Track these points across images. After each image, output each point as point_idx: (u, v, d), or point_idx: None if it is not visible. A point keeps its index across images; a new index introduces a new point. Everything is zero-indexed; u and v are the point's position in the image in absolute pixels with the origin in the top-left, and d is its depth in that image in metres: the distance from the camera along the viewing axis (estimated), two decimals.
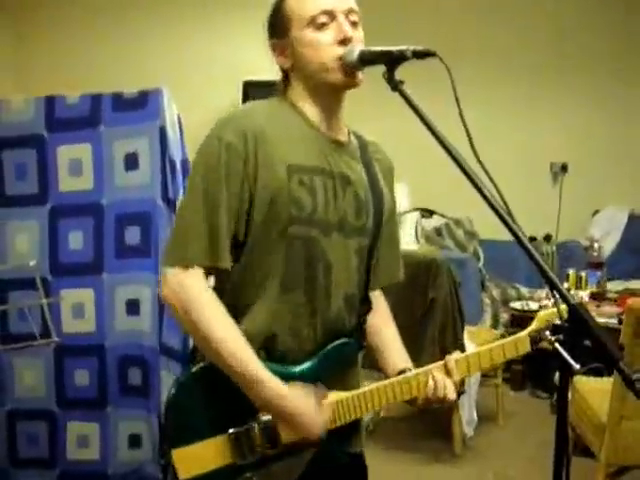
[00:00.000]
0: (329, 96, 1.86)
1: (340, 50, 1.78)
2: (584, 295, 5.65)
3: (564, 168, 7.26)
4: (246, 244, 1.78)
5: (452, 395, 1.85)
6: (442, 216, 7.06)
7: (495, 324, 6.10)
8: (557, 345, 1.50)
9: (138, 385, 3.51)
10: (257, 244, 1.77)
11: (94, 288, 3.50)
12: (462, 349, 4.37)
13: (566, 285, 5.50)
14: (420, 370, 1.86)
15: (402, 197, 5.47)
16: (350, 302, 1.88)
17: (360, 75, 1.82)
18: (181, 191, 3.46)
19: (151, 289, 3.44)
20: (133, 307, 3.48)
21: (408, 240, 5.37)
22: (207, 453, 1.76)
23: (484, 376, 4.94)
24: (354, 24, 1.82)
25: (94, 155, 3.49)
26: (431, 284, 4.40)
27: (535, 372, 5.73)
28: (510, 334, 5.31)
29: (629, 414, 3.43)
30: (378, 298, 2.10)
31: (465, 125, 1.68)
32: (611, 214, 7.08)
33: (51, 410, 3.60)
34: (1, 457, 3.62)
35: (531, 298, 6.08)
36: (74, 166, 3.51)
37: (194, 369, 1.80)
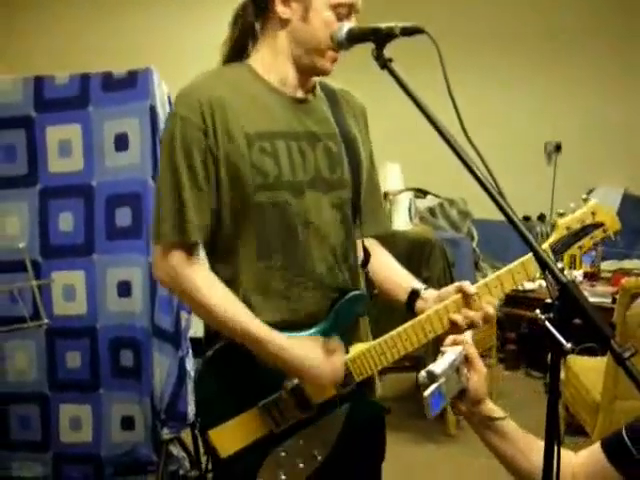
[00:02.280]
0: (305, 70, 1.86)
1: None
2: (578, 275, 5.65)
3: (558, 147, 7.24)
4: (219, 216, 1.78)
5: (491, 310, 1.84)
6: (436, 196, 7.04)
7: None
8: (547, 324, 1.48)
9: (130, 367, 3.51)
10: (230, 216, 1.78)
11: (85, 270, 3.48)
12: None
13: (560, 265, 5.45)
14: (439, 306, 1.83)
15: (395, 177, 5.43)
16: (340, 255, 1.88)
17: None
18: None
19: (142, 270, 3.42)
20: (124, 288, 3.47)
21: (402, 220, 5.33)
22: (242, 428, 1.79)
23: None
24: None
25: (84, 136, 3.46)
26: (425, 264, 4.39)
27: (529, 352, 5.74)
28: (505, 314, 5.30)
29: (622, 393, 3.43)
30: (374, 246, 2.08)
31: (454, 103, 1.65)
32: (605, 193, 7.04)
33: (43, 393, 3.59)
34: None
35: None
36: (64, 147, 3.48)
37: (211, 351, 1.80)
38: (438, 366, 1.58)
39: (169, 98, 3.50)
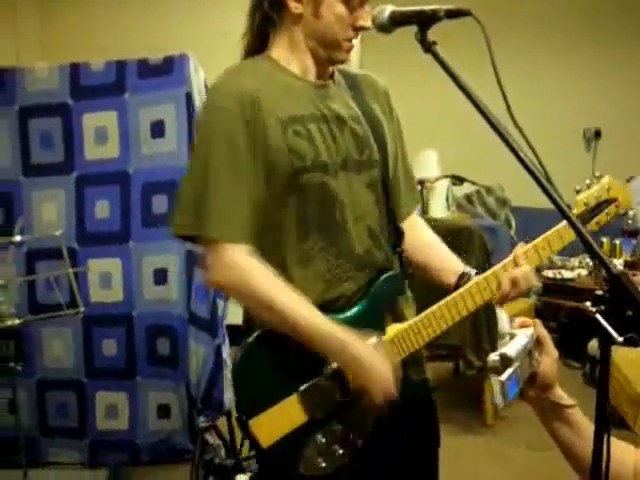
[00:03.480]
0: (322, 62, 1.85)
1: (353, 35, 1.78)
2: (618, 264, 5.55)
3: (597, 134, 7.09)
4: (260, 205, 1.75)
5: (534, 280, 1.84)
6: (473, 183, 6.94)
7: (527, 292, 6.01)
8: (598, 316, 1.43)
9: (166, 355, 3.51)
10: (269, 201, 1.75)
11: (121, 257, 3.48)
12: (494, 319, 4.31)
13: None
14: (480, 277, 1.83)
15: (432, 165, 5.37)
16: (376, 235, 1.86)
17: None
18: None
19: (178, 258, 3.42)
20: (161, 276, 3.47)
21: (439, 208, 5.28)
22: (283, 415, 1.76)
23: None
24: None
25: (120, 123, 3.45)
26: (463, 252, 4.31)
27: (568, 341, 5.65)
28: (544, 303, 5.21)
29: None
30: (418, 224, 2.06)
31: (501, 87, 1.60)
32: None
33: (79, 380, 3.60)
34: (31, 426, 3.63)
35: (563, 266, 5.97)
36: (100, 134, 3.48)
37: (251, 338, 1.78)
38: (511, 349, 1.51)
39: (206, 84, 3.47)
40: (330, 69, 1.90)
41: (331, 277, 1.79)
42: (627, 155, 6.87)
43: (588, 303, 1.54)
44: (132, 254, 3.47)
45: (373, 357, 1.73)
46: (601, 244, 5.60)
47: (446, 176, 6.26)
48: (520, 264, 1.82)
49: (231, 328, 3.58)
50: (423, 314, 1.82)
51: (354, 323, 1.77)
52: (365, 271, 1.83)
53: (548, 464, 4.04)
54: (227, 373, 3.51)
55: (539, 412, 1.63)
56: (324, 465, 1.79)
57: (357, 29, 1.77)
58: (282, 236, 1.78)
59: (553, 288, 5.45)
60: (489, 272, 1.84)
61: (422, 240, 2.04)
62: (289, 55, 1.83)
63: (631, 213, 5.96)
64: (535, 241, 1.87)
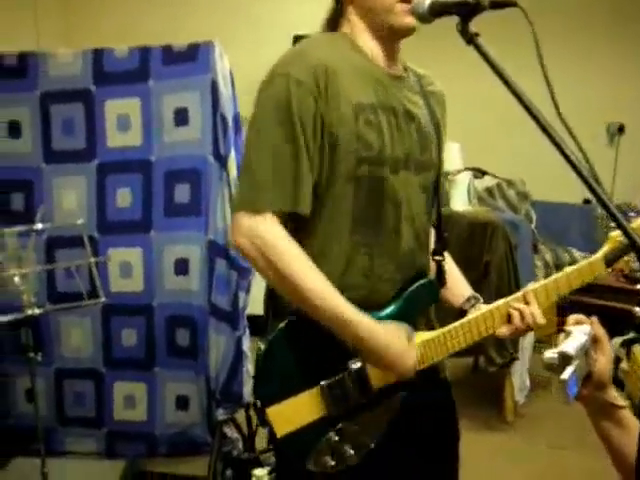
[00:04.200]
0: (389, 37, 1.77)
1: None
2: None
3: (621, 129, 7.02)
4: (316, 186, 1.70)
5: (541, 320, 1.78)
6: (494, 176, 6.88)
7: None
8: None
9: (186, 346, 3.47)
10: (326, 184, 1.70)
11: (142, 247, 3.44)
12: None
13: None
14: (500, 302, 1.80)
15: (455, 157, 5.30)
16: (421, 239, 1.83)
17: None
18: (232, 148, 3.36)
19: (200, 248, 3.38)
20: (182, 266, 3.42)
21: (461, 201, 5.20)
22: (301, 408, 1.74)
23: (538, 342, 4.81)
24: None
25: (143, 110, 3.40)
26: (486, 247, 4.27)
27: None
28: (564, 301, 5.19)
29: None
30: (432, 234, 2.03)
31: (548, 82, 1.55)
32: None
33: (98, 370, 3.57)
34: (49, 415, 3.61)
35: None
36: (122, 121, 3.43)
37: (281, 325, 1.73)
38: (569, 346, 1.47)
39: (231, 72, 3.42)
40: (400, 56, 1.83)
41: (372, 274, 1.75)
42: None
43: (637, 308, 1.48)
44: (153, 244, 3.42)
45: (395, 348, 1.70)
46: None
47: (468, 169, 6.19)
48: (530, 302, 1.78)
49: (251, 319, 3.55)
50: (452, 326, 1.79)
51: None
52: (405, 273, 1.79)
53: (568, 462, 4.02)
54: (247, 365, 3.48)
55: (589, 410, 1.60)
56: (333, 464, 1.76)
57: None
58: (333, 224, 1.72)
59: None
60: (519, 294, 1.81)
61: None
62: (362, 35, 1.78)
63: None
64: (544, 281, 1.84)
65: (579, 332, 1.55)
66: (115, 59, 3.44)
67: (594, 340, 1.58)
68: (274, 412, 1.73)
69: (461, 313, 1.91)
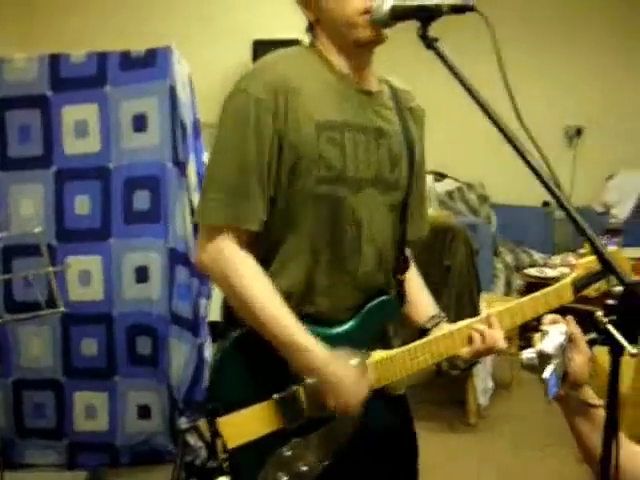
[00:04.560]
0: (356, 51, 1.74)
1: (366, 2, 1.65)
2: (589, 258, 5.54)
3: (579, 132, 7.11)
4: (274, 203, 1.69)
5: (502, 344, 1.74)
6: (454, 180, 6.93)
7: (508, 291, 5.99)
8: (610, 327, 1.38)
9: (147, 354, 3.43)
10: (284, 203, 1.69)
11: (102, 255, 3.40)
12: None
13: (582, 252, 5.38)
14: (462, 323, 1.77)
15: None
16: (383, 258, 1.80)
17: (386, 31, 1.69)
18: (192, 154, 3.33)
19: (161, 255, 3.34)
20: (142, 274, 3.38)
21: None
22: (254, 420, 1.69)
23: None
24: None
25: (101, 116, 3.36)
26: (447, 251, 4.28)
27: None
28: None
29: None
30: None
31: (508, 87, 1.56)
32: (625, 179, 6.93)
33: (58, 380, 3.51)
34: (7, 427, 3.54)
35: (545, 264, 5.96)
36: (80, 127, 3.39)
37: (235, 335, 1.71)
38: (548, 346, 1.49)
39: (190, 78, 3.39)
40: (374, 74, 1.81)
41: (331, 292, 1.73)
42: (608, 153, 6.89)
43: (599, 313, 1.49)
44: (113, 251, 3.38)
45: (348, 378, 1.66)
46: (583, 243, 5.59)
47: (428, 172, 6.20)
48: (492, 325, 1.75)
49: (212, 325, 3.53)
50: (411, 345, 1.75)
51: (342, 340, 1.72)
52: (365, 292, 1.77)
53: (531, 463, 4.04)
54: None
55: (564, 409, 1.60)
56: (286, 479, 1.72)
57: None
58: (293, 244, 1.71)
59: (536, 286, 5.41)
60: (483, 315, 1.78)
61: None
62: (331, 52, 1.75)
63: (614, 212, 5.97)
64: (509, 305, 1.80)
65: (555, 331, 1.55)
66: (72, 64, 3.40)
67: (570, 339, 1.58)
68: (225, 423, 1.68)
69: (422, 332, 1.88)
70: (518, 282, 6.00)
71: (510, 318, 1.77)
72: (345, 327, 1.75)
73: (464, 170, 6.82)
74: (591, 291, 1.84)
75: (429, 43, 1.57)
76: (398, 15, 1.63)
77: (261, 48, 5.76)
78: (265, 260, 1.71)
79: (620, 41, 6.90)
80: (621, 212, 6.56)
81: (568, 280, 1.83)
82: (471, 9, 1.55)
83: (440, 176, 6.75)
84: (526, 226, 6.85)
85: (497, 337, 1.73)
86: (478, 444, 4.21)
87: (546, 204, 7.04)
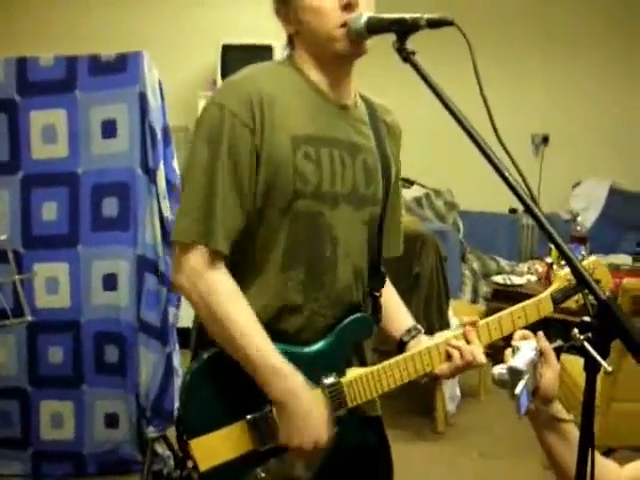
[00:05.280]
0: (336, 64, 1.73)
1: (345, 16, 1.63)
2: (568, 270, 5.58)
3: (545, 140, 7.19)
4: (249, 219, 1.66)
5: (481, 359, 1.74)
6: (422, 186, 6.95)
7: (475, 298, 6.02)
8: (587, 344, 1.38)
9: (115, 363, 3.39)
10: (259, 218, 1.67)
11: (69, 262, 3.35)
12: (447, 325, 4.28)
13: (549, 259, 5.42)
14: (440, 340, 1.76)
15: None
16: (359, 275, 1.78)
17: (367, 43, 1.68)
18: (162, 160, 3.30)
19: (129, 263, 3.31)
20: (110, 282, 3.34)
21: None
22: (226, 441, 1.67)
23: None
24: None
25: (69, 121, 3.32)
26: (416, 258, 4.29)
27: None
28: (493, 309, 5.25)
29: (619, 396, 3.38)
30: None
31: (485, 101, 1.56)
32: (591, 186, 7.02)
33: (23, 388, 3.45)
34: None
35: (512, 272, 5.99)
36: (48, 132, 3.34)
37: (206, 355, 1.68)
38: (519, 361, 1.50)
39: (160, 84, 3.36)
40: (352, 90, 1.79)
41: (305, 309, 1.71)
42: (574, 161, 6.98)
43: (575, 330, 1.50)
44: (80, 258, 3.33)
45: (311, 411, 1.65)
46: (549, 250, 5.63)
47: None
48: (471, 341, 1.74)
49: (180, 331, 3.50)
50: (387, 362, 1.74)
51: (317, 358, 1.71)
52: (340, 308, 1.75)
53: (499, 471, 4.06)
54: (178, 382, 3.41)
55: (534, 424, 1.62)
56: None
57: (344, 7, 1.62)
58: (267, 260, 1.68)
59: (502, 294, 5.45)
60: (459, 331, 1.77)
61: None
62: (310, 66, 1.74)
63: (579, 219, 6.02)
64: (488, 319, 1.80)
65: (526, 347, 1.56)
66: (40, 68, 3.35)
67: (540, 355, 1.59)
68: (198, 445, 1.66)
69: (400, 345, 1.88)
70: (485, 289, 6.03)
71: (488, 332, 1.77)
72: (319, 345, 1.73)
73: (432, 177, 6.84)
74: (571, 303, 1.86)
75: (405, 56, 1.57)
76: (374, 28, 1.62)
77: (230, 52, 5.75)
78: (239, 276, 1.68)
79: (586, 51, 6.99)
80: (587, 219, 6.62)
81: (547, 293, 1.84)
82: (449, 24, 1.54)
83: (408, 183, 6.76)
84: (493, 233, 6.90)
85: (476, 353, 1.73)
86: (446, 452, 4.22)
87: (513, 211, 7.09)
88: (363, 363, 1.81)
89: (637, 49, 6.91)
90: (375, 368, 1.74)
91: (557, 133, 7.12)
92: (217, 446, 1.67)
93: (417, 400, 4.72)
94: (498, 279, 5.67)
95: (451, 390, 4.53)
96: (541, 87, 7.12)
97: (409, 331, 1.88)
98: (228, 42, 5.76)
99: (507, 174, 1.52)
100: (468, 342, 1.74)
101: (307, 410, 1.64)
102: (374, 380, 1.73)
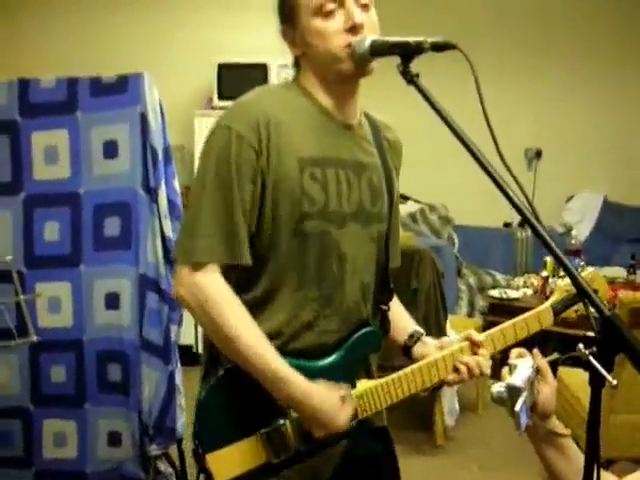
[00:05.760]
0: (341, 84, 1.78)
1: (350, 38, 1.68)
2: (567, 281, 5.62)
3: (538, 154, 7.25)
4: (257, 240, 1.71)
5: (487, 370, 1.82)
6: (416, 201, 7.00)
7: (471, 312, 6.05)
8: (592, 359, 1.42)
9: (118, 381, 3.39)
10: (268, 240, 1.71)
11: (71, 281, 3.36)
12: None
13: (545, 273, 5.47)
14: (447, 352, 1.82)
15: None
16: (367, 290, 1.83)
17: (373, 64, 1.72)
18: (163, 180, 3.33)
19: (131, 282, 3.32)
20: (112, 301, 3.36)
21: None
22: (241, 455, 1.72)
23: None
24: (365, 7, 1.71)
25: (71, 142, 3.33)
26: (414, 274, 4.33)
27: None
28: (489, 322, 5.27)
29: (618, 408, 3.41)
30: None
31: (488, 123, 1.61)
32: (585, 200, 7.09)
33: (26, 407, 3.45)
34: None
35: (508, 286, 6.04)
36: (50, 153, 3.36)
37: (221, 372, 1.74)
38: (517, 379, 1.56)
39: (160, 104, 3.39)
40: (357, 109, 1.84)
41: (316, 327, 1.75)
42: (567, 175, 7.04)
43: (580, 345, 1.53)
44: (83, 278, 3.35)
45: (326, 411, 1.70)
46: (545, 264, 5.68)
47: None
48: (480, 353, 1.81)
49: (181, 349, 3.53)
50: (395, 375, 1.80)
51: (328, 372, 1.75)
52: (349, 324, 1.80)
53: None
54: (180, 399, 3.44)
55: (533, 439, 1.66)
56: None
57: (350, 29, 1.68)
58: (277, 278, 1.73)
59: (499, 307, 5.50)
60: (465, 343, 1.83)
61: None
62: (316, 87, 1.78)
63: (574, 232, 6.07)
64: (491, 331, 1.86)
65: (523, 365, 1.61)
66: (41, 90, 3.37)
67: (537, 372, 1.63)
68: (214, 459, 1.71)
69: (405, 350, 1.93)
70: (481, 303, 6.07)
71: (492, 343, 1.84)
72: (329, 360, 1.77)
73: (426, 192, 6.89)
74: (571, 313, 1.90)
75: (410, 79, 1.61)
76: (378, 51, 1.67)
77: (225, 71, 5.82)
78: (248, 295, 1.73)
79: (579, 66, 7.06)
80: (581, 233, 6.67)
81: (548, 304, 1.90)
82: (453, 47, 1.59)
83: (403, 198, 6.81)
84: (488, 247, 6.94)
85: (482, 364, 1.79)
86: (446, 466, 4.25)
87: (507, 225, 7.13)
88: (370, 376, 1.85)
89: (629, 64, 6.97)
90: (384, 380, 1.80)
91: (550, 147, 7.18)
92: (232, 459, 1.72)
93: (416, 414, 4.75)
94: (494, 293, 5.72)
95: (450, 404, 4.56)
96: (534, 101, 7.18)
97: (412, 336, 1.93)
98: (224, 61, 5.82)
99: (511, 193, 1.55)
100: (475, 354, 1.80)
101: (317, 406, 1.69)
102: (383, 392, 1.79)
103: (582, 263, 5.29)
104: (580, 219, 6.93)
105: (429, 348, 1.88)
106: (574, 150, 7.08)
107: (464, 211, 6.98)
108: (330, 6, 1.68)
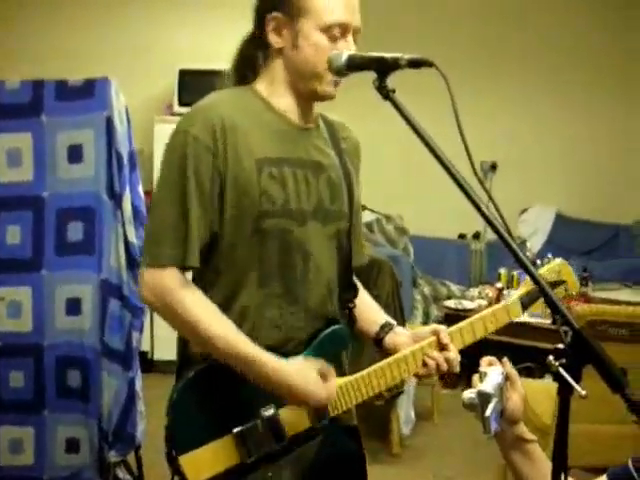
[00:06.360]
0: (306, 98, 1.84)
1: None
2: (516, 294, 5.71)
3: (493, 167, 7.34)
4: (219, 239, 1.75)
5: (456, 366, 1.84)
6: (372, 211, 7.04)
7: (426, 321, 6.11)
8: (561, 370, 1.46)
9: (77, 387, 3.36)
10: (230, 239, 1.75)
11: (32, 286, 3.33)
12: None
13: (499, 284, 5.54)
14: (415, 347, 1.84)
15: None
16: (331, 287, 1.86)
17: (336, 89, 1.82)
18: (127, 185, 3.32)
19: (93, 288, 3.30)
20: (74, 306, 3.33)
21: None
22: (214, 455, 1.73)
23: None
24: (357, 31, 1.80)
25: (35, 145, 3.31)
26: (372, 284, 4.36)
27: (469, 370, 5.76)
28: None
29: (573, 417, 3.47)
30: None
31: (463, 137, 1.65)
32: (538, 213, 7.20)
33: None
34: None
35: (463, 296, 6.11)
36: (12, 156, 3.33)
37: (191, 373, 1.75)
38: (487, 386, 1.60)
39: (126, 109, 3.39)
40: (314, 111, 1.88)
41: (282, 324, 1.79)
42: (521, 188, 7.14)
43: (551, 357, 1.58)
44: (44, 283, 3.31)
45: (306, 383, 1.73)
46: (499, 275, 5.76)
47: None
48: (448, 349, 1.83)
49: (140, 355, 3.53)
50: (365, 371, 1.82)
51: None
52: (316, 321, 1.83)
53: None
54: (140, 406, 3.42)
55: (501, 444, 1.70)
56: None
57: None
58: (240, 277, 1.76)
59: (454, 318, 5.55)
60: (433, 338, 1.85)
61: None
62: (272, 90, 1.82)
63: (528, 245, 6.17)
64: (460, 324, 1.89)
65: (493, 372, 1.66)
66: (6, 92, 3.34)
67: (506, 379, 1.69)
68: (187, 460, 1.72)
69: (377, 342, 1.96)
70: (436, 313, 6.12)
71: (461, 338, 1.87)
72: (300, 358, 1.79)
73: (382, 202, 6.94)
74: (538, 306, 1.95)
75: (386, 94, 1.64)
76: (355, 65, 1.70)
77: (186, 77, 5.82)
78: (219, 296, 1.76)
79: (535, 80, 7.17)
80: (533, 245, 6.78)
81: (516, 297, 1.93)
82: (429, 65, 1.63)
83: None
84: (442, 258, 7.01)
85: (451, 359, 1.83)
86: (402, 474, 4.29)
87: (462, 236, 7.22)
88: (342, 373, 1.87)
89: (582, 78, 7.09)
90: (354, 377, 1.83)
91: (505, 160, 7.28)
92: (205, 461, 1.73)
93: (372, 423, 4.77)
94: (450, 303, 5.78)
95: (406, 413, 4.60)
96: (489, 115, 7.27)
97: (383, 327, 1.96)
98: (185, 67, 5.82)
99: (484, 208, 1.59)
100: (443, 349, 1.83)
101: (292, 380, 1.72)
102: (354, 389, 1.81)
103: (549, 254, 5.38)
104: (533, 232, 7.05)
105: (401, 338, 1.91)
106: (529, 164, 7.19)
107: (419, 222, 7.04)
108: (337, 32, 1.74)
